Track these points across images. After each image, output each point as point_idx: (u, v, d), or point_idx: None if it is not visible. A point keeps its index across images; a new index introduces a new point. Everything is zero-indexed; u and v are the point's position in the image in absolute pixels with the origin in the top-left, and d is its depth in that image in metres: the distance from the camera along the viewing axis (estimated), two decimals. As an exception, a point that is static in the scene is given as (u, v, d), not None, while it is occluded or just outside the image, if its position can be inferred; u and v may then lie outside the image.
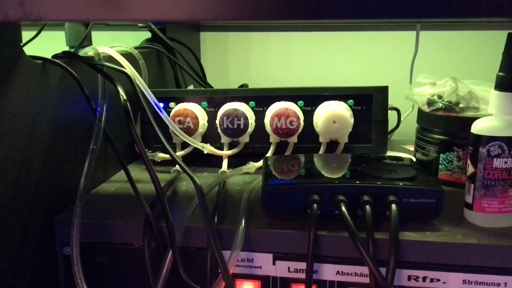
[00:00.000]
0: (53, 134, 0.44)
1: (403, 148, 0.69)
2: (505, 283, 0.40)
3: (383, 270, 0.37)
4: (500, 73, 0.41)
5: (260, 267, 0.43)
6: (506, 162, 0.41)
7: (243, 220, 0.43)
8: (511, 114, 0.41)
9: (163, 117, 0.54)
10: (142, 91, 0.49)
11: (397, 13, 0.21)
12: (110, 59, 0.53)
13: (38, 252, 0.43)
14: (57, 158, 0.45)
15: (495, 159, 0.41)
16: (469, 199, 0.43)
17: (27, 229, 0.41)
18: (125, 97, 0.43)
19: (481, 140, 0.41)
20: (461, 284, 0.40)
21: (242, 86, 0.84)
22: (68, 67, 0.43)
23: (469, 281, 0.40)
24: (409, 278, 0.41)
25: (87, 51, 0.53)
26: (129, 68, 0.51)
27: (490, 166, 0.41)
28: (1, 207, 0.38)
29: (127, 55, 0.57)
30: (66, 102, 0.46)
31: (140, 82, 0.48)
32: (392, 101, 0.62)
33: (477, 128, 0.42)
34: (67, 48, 0.69)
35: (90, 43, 0.69)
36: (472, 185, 0.42)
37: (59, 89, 0.45)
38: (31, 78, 0.40)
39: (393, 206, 0.41)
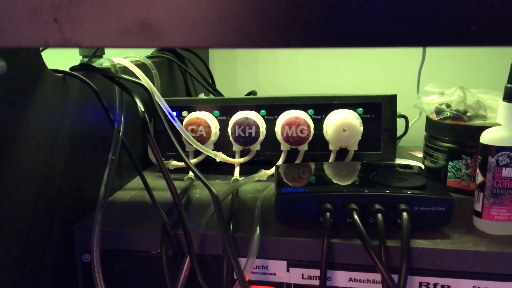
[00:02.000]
0: (73, 145, 0.45)
1: (411, 154, 0.70)
2: (514, 290, 0.41)
3: (395, 277, 0.39)
4: (509, 85, 0.42)
5: (275, 274, 0.44)
6: (514, 171, 0.42)
7: (258, 228, 0.44)
8: (519, 125, 0.42)
9: (176, 126, 0.55)
10: (157, 101, 0.50)
11: (407, 42, 0.22)
12: (125, 70, 0.54)
13: (59, 258, 0.44)
14: (76, 168, 0.46)
15: (504, 168, 0.42)
16: (478, 207, 0.44)
17: (49, 237, 0.43)
18: (143, 109, 0.44)
19: (490, 150, 0.42)
20: (472, 290, 0.41)
21: (250, 93, 0.85)
22: (87, 80, 0.44)
23: (478, 287, 0.41)
24: (420, 284, 0.42)
25: (102, 62, 0.54)
26: (144, 79, 0.52)
27: (499, 175, 0.42)
28: (25, 216, 0.39)
29: (141, 65, 0.59)
30: (84, 113, 0.47)
31: (156, 93, 0.50)
32: (399, 109, 0.63)
33: (486, 138, 0.43)
34: (79, 57, 0.71)
35: (102, 53, 0.70)
36: (482, 194, 0.43)
37: (78, 101, 0.46)
38: (52, 91, 0.42)
39: (404, 214, 0.42)
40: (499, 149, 0.42)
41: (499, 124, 0.43)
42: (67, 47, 0.22)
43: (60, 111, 0.43)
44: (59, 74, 0.43)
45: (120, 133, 0.45)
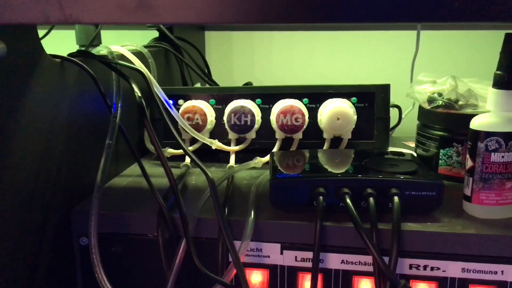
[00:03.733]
0: (70, 130, 0.46)
1: (404, 144, 0.71)
2: (502, 271, 0.42)
3: (386, 259, 0.40)
4: (498, 72, 0.43)
5: (269, 257, 0.45)
6: (503, 157, 0.43)
7: (252, 212, 0.45)
8: (507, 111, 0.43)
9: (173, 114, 0.56)
10: (153, 88, 0.51)
11: (399, 17, 0.23)
12: (122, 57, 0.55)
13: (56, 242, 0.45)
14: (73, 153, 0.47)
15: (492, 153, 0.43)
16: (467, 191, 0.45)
17: (46, 221, 0.43)
18: (139, 94, 0.45)
19: (479, 135, 0.43)
20: (460, 272, 0.42)
21: (246, 84, 0.86)
22: (85, 65, 0.45)
23: (467, 269, 0.42)
24: (411, 266, 0.43)
25: (99, 50, 0.55)
26: (140, 67, 0.53)
27: (488, 160, 0.43)
28: (22, 200, 0.40)
29: (137, 54, 0.59)
30: (82, 99, 0.48)
31: (152, 80, 0.50)
32: (393, 98, 0.64)
33: (475, 124, 0.44)
34: (76, 47, 0.71)
35: (99, 42, 0.71)
36: (471, 179, 0.44)
37: (75, 86, 0.47)
38: (50, 76, 0.42)
39: (395, 198, 0.43)
40: (488, 134, 0.43)
41: (488, 111, 0.44)
42: (67, 23, 0.22)
43: (58, 96, 0.44)
44: (57, 59, 0.44)
45: (117, 119, 0.46)
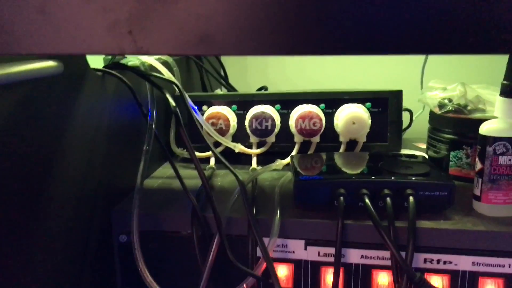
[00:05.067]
0: (110, 137, 0.50)
1: (415, 146, 0.75)
2: (509, 265, 0.45)
3: (402, 254, 0.43)
4: (505, 82, 0.46)
5: (293, 252, 0.49)
6: (510, 160, 0.46)
7: (278, 211, 0.48)
8: (514, 117, 0.46)
9: (199, 120, 0.59)
10: (185, 98, 0.55)
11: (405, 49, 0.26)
12: (152, 68, 0.59)
13: (99, 238, 0.49)
14: (112, 156, 0.51)
15: (500, 156, 0.46)
16: (477, 191, 0.49)
17: (92, 221, 0.47)
18: (174, 104, 0.49)
19: (488, 140, 0.47)
20: (471, 265, 0.46)
21: (261, 88, 0.90)
22: (123, 78, 0.49)
23: (477, 263, 0.46)
24: (425, 260, 0.46)
25: (129, 60, 0.59)
26: (170, 77, 0.57)
27: (496, 163, 0.47)
28: (72, 201, 0.44)
29: (164, 63, 0.63)
30: (120, 107, 0.52)
31: (181, 87, 0.54)
32: (405, 102, 0.67)
33: (484, 129, 0.47)
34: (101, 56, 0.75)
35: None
36: (480, 180, 0.48)
37: (114, 96, 0.51)
38: (94, 88, 0.47)
39: (411, 198, 0.46)
40: (496, 139, 0.46)
41: (496, 117, 0.47)
42: (139, 54, 0.26)
43: (100, 106, 0.48)
44: (99, 73, 0.48)
45: (154, 126, 0.50)
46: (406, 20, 0.25)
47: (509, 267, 0.45)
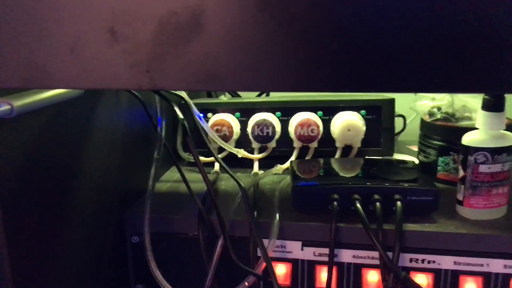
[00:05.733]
0: (123, 146, 0.55)
1: (408, 148, 0.79)
2: (487, 264, 0.50)
3: (390, 254, 0.48)
4: (485, 97, 0.50)
5: (291, 252, 0.53)
6: (489, 168, 0.50)
7: (277, 215, 0.53)
8: (493, 129, 0.50)
9: (205, 128, 0.64)
10: (192, 109, 0.59)
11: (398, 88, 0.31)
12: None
13: (113, 239, 0.54)
14: (125, 164, 0.56)
15: (480, 165, 0.51)
16: (460, 196, 0.53)
17: (108, 223, 0.52)
18: (181, 116, 0.53)
19: (469, 150, 0.51)
20: (453, 264, 0.50)
21: (263, 92, 0.94)
22: (135, 92, 0.53)
23: (459, 262, 0.50)
24: (411, 260, 0.51)
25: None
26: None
27: (477, 171, 0.51)
28: (91, 204, 0.48)
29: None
30: (132, 119, 0.57)
31: (190, 103, 0.58)
32: (399, 108, 0.72)
33: (466, 140, 0.52)
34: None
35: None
36: (463, 186, 0.52)
37: (127, 109, 0.55)
38: (109, 101, 0.51)
39: (398, 203, 0.51)
40: (477, 149, 0.50)
41: (477, 128, 0.52)
42: (155, 89, 0.31)
43: (115, 118, 0.52)
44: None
45: (163, 136, 0.54)
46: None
47: (488, 266, 0.50)
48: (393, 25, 0.28)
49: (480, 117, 0.51)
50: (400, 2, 0.28)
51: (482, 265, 0.50)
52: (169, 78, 0.30)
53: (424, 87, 0.29)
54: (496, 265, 0.50)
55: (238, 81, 0.29)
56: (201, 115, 0.68)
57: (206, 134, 0.66)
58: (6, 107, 0.32)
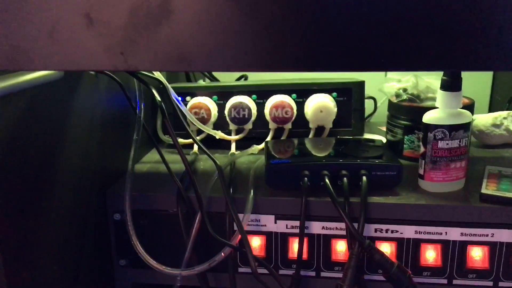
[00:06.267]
0: (103, 128, 0.57)
1: (379, 129, 0.83)
2: (446, 232, 0.54)
3: (356, 225, 0.52)
4: (443, 77, 0.54)
5: (265, 225, 0.57)
6: (447, 144, 0.54)
7: (252, 191, 0.56)
8: (451, 108, 0.54)
9: (183, 111, 0.66)
10: (169, 93, 0.61)
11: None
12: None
13: (96, 217, 0.56)
14: (106, 145, 0.58)
15: (439, 141, 0.54)
16: (421, 171, 0.57)
17: (90, 201, 0.55)
18: (159, 99, 0.56)
19: (429, 127, 0.55)
20: (414, 233, 0.54)
21: (241, 76, 0.97)
22: (114, 76, 0.56)
23: (419, 231, 0.54)
24: (376, 230, 0.55)
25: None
26: (158, 76, 0.63)
27: (436, 146, 0.55)
28: (73, 184, 0.51)
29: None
30: (111, 102, 0.59)
31: (168, 86, 0.61)
32: (370, 91, 0.75)
33: (426, 118, 0.55)
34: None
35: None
36: (423, 161, 0.56)
37: (106, 92, 0.57)
38: (88, 85, 0.53)
39: (364, 178, 0.54)
40: (436, 126, 0.54)
41: (437, 107, 0.55)
42: (129, 70, 0.33)
43: (94, 101, 0.55)
44: (92, 72, 0.54)
45: (142, 118, 0.57)
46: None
47: (446, 234, 0.54)
48: (358, 9, 0.31)
49: (438, 97, 0.55)
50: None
51: (441, 233, 0.54)
52: (141, 59, 0.33)
53: (387, 65, 0.32)
54: (454, 233, 0.54)
55: (205, 62, 0.32)
56: (180, 98, 0.70)
57: (185, 117, 0.68)
58: (-11, 88, 0.34)
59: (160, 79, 0.59)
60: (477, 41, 0.32)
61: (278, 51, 0.32)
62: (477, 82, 0.90)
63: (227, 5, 0.32)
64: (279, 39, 0.32)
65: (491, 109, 0.93)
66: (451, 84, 0.54)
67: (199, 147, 0.61)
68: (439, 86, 0.56)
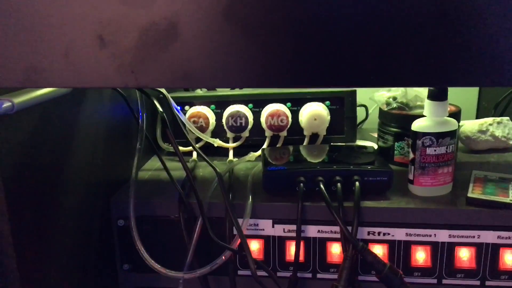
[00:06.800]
0: (107, 137, 0.60)
1: (371, 135, 0.86)
2: (435, 234, 0.57)
3: (350, 229, 0.54)
4: (431, 88, 0.57)
5: (263, 230, 0.59)
6: (435, 150, 0.57)
7: (250, 196, 0.59)
8: (438, 116, 0.57)
9: (183, 120, 0.69)
10: (170, 104, 0.64)
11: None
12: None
13: (100, 223, 0.59)
14: (109, 154, 0.61)
15: (427, 148, 0.57)
16: (411, 176, 0.60)
17: (94, 206, 0.57)
18: (161, 110, 0.58)
19: (417, 134, 0.58)
20: (405, 236, 0.57)
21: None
22: (118, 89, 0.58)
23: (410, 233, 0.57)
24: (368, 233, 0.58)
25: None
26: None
27: (424, 153, 0.58)
28: (79, 192, 0.53)
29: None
30: (114, 113, 0.61)
31: (167, 95, 0.63)
32: (362, 99, 0.78)
33: (415, 126, 0.58)
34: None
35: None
36: (413, 167, 0.59)
37: (110, 103, 0.60)
38: (93, 97, 0.56)
39: (357, 183, 0.57)
40: (424, 134, 0.57)
41: (425, 116, 0.58)
42: (138, 87, 0.36)
43: (98, 113, 0.57)
44: (97, 85, 0.57)
45: (144, 128, 0.59)
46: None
47: (435, 236, 0.57)
48: (348, 32, 0.34)
49: (426, 106, 0.58)
50: (351, 9, 0.34)
51: (430, 235, 0.57)
52: (151, 77, 0.35)
53: (377, 82, 0.35)
54: (442, 235, 0.57)
55: (209, 79, 0.35)
56: (179, 107, 0.73)
57: (184, 125, 0.71)
58: (7, 104, 0.36)
59: (161, 90, 0.61)
60: (463, 58, 0.35)
61: (275, 69, 0.35)
62: (464, 89, 0.94)
63: (228, 28, 0.34)
64: (276, 58, 0.35)
65: (478, 115, 0.96)
66: (438, 94, 0.57)
67: (198, 155, 0.64)
68: (427, 95, 0.59)
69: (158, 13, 0.34)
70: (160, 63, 0.35)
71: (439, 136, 0.57)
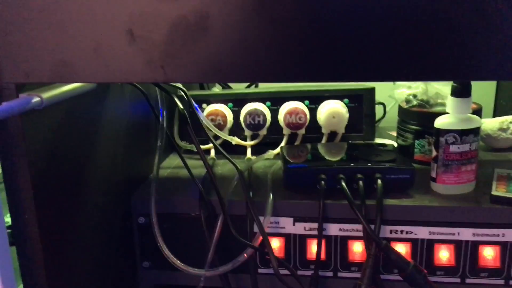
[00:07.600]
0: (128, 134, 0.60)
1: (388, 134, 0.85)
2: (458, 233, 0.56)
3: (372, 227, 0.54)
4: (454, 84, 0.56)
5: (284, 228, 0.59)
6: (458, 148, 0.57)
7: (271, 194, 0.58)
8: (461, 113, 0.57)
9: (201, 118, 0.69)
10: (191, 101, 0.64)
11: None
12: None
13: (121, 220, 0.59)
14: (130, 151, 0.61)
15: (451, 145, 0.57)
16: (433, 174, 0.59)
17: (116, 203, 0.57)
18: (182, 107, 0.58)
19: (440, 132, 0.57)
20: (428, 234, 0.57)
21: (251, 84, 0.99)
22: (137, 85, 0.58)
23: (433, 232, 0.56)
24: (391, 231, 0.57)
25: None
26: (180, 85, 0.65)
27: (448, 150, 0.57)
28: (101, 189, 0.53)
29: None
30: (135, 110, 0.61)
31: (187, 92, 0.63)
32: (380, 97, 0.77)
33: (438, 123, 0.58)
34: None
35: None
36: (436, 164, 0.59)
37: (130, 100, 0.60)
38: (115, 96, 0.56)
39: (379, 181, 0.57)
40: (447, 131, 0.57)
41: (448, 113, 0.58)
42: (167, 82, 0.36)
43: (120, 110, 0.57)
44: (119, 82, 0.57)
45: (165, 125, 0.59)
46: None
47: (458, 234, 0.56)
48: (373, 26, 0.34)
49: (449, 103, 0.57)
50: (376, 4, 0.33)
51: (453, 234, 0.56)
52: (180, 72, 0.35)
53: (400, 76, 0.35)
54: (466, 234, 0.56)
55: (238, 74, 0.35)
56: (197, 105, 0.73)
57: (202, 123, 0.71)
58: (37, 99, 0.36)
59: (181, 87, 0.61)
60: (485, 52, 0.34)
61: (308, 63, 0.35)
62: (481, 87, 0.92)
63: (258, 21, 0.34)
64: (304, 52, 0.35)
65: (495, 114, 0.95)
66: (461, 91, 0.56)
67: (217, 152, 0.63)
68: (450, 92, 0.58)
69: (187, 7, 0.34)
70: (189, 57, 0.35)
71: (462, 133, 0.56)
